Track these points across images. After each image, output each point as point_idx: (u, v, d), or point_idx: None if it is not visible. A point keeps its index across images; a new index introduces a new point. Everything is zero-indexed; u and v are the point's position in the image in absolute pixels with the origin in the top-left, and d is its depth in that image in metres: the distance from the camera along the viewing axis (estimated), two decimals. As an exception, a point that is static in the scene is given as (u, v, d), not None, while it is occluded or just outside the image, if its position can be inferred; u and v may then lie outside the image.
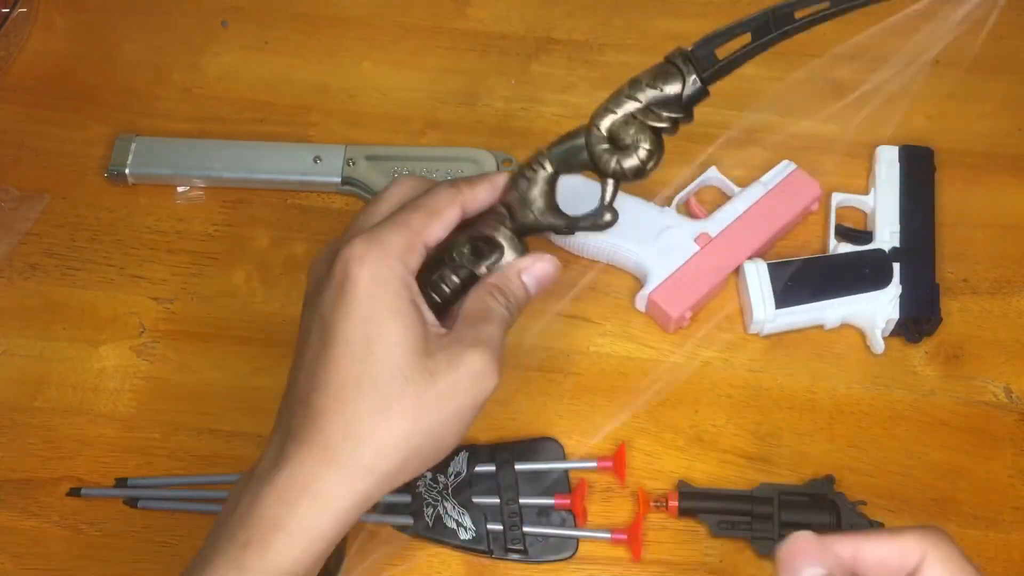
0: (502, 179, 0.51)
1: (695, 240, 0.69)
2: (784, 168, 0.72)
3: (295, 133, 0.77)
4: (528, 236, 0.52)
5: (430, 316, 0.47)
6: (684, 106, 0.51)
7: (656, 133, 0.51)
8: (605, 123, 0.51)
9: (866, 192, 0.73)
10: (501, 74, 0.80)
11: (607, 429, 0.65)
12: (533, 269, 0.51)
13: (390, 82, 0.80)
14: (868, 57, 0.81)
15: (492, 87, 0.80)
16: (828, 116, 0.78)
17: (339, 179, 0.74)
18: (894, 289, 0.67)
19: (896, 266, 0.68)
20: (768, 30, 0.50)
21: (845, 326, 0.69)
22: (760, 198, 0.71)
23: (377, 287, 0.45)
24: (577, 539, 0.62)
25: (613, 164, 0.51)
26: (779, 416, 0.66)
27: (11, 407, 0.67)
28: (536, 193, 0.52)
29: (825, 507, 0.61)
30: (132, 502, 0.63)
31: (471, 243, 0.51)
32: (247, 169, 0.74)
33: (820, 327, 0.69)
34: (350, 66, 0.81)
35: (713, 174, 0.74)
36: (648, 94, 0.50)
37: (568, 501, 0.62)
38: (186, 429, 0.66)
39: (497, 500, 0.62)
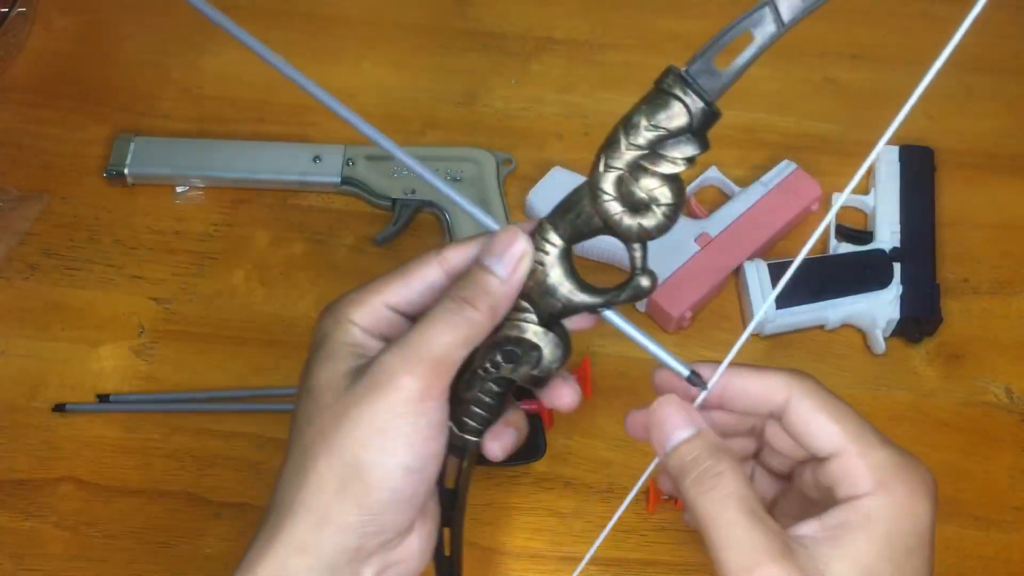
0: (485, 237, 0.45)
1: (695, 240, 0.69)
2: (784, 168, 0.72)
3: (294, 133, 0.77)
4: (565, 318, 0.45)
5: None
6: (697, 137, 0.41)
7: (673, 180, 0.42)
8: (608, 184, 0.42)
9: (866, 192, 0.73)
10: (501, 74, 0.80)
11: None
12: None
13: (390, 82, 0.80)
14: (868, 57, 0.81)
15: (492, 87, 0.80)
16: (828, 116, 0.78)
17: (339, 179, 0.74)
18: (894, 289, 0.67)
19: (896, 266, 0.68)
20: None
21: (846, 326, 0.69)
22: (760, 198, 0.71)
23: (329, 341, 0.44)
24: (545, 439, 0.64)
25: (635, 228, 0.42)
26: (779, 416, 0.66)
27: (11, 407, 0.67)
28: (556, 276, 0.44)
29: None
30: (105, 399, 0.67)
31: (498, 350, 0.44)
32: (247, 169, 0.74)
33: (821, 327, 0.69)
34: (350, 66, 0.81)
35: (713, 174, 0.74)
36: (649, 136, 0.41)
37: (535, 405, 0.62)
38: (185, 430, 0.66)
39: None
